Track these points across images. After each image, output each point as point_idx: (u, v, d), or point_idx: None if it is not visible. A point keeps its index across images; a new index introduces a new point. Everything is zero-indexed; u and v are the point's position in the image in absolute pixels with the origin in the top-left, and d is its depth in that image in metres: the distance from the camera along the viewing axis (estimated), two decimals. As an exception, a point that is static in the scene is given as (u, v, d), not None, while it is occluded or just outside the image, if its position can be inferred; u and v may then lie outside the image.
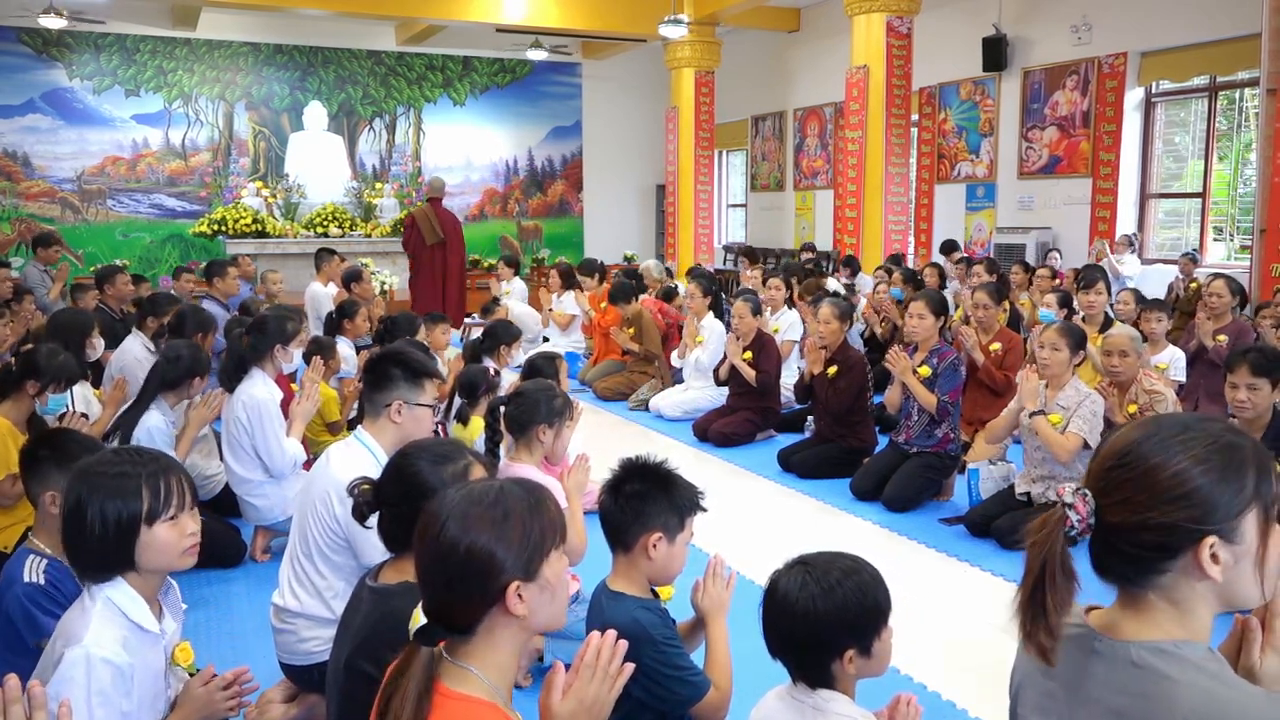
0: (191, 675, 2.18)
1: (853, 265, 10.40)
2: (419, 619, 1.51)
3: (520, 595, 1.50)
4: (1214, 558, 1.26)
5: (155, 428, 4.22)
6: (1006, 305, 6.55)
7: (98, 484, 1.98)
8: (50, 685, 1.86)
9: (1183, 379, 5.73)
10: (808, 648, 1.89)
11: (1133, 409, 4.70)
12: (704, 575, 2.39)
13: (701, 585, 2.38)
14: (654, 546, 2.28)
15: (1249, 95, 9.61)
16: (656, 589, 2.38)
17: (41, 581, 2.50)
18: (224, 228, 13.19)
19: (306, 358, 5.22)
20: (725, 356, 6.70)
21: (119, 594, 1.99)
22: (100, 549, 1.98)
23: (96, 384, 5.65)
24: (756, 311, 6.75)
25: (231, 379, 4.44)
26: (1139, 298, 6.56)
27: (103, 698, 1.88)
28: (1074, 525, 1.27)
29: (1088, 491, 1.29)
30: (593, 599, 2.39)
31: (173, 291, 7.84)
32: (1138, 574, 1.30)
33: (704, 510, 2.38)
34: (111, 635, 1.93)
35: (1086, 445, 4.31)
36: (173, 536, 2.02)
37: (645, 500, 2.29)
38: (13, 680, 1.54)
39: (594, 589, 2.40)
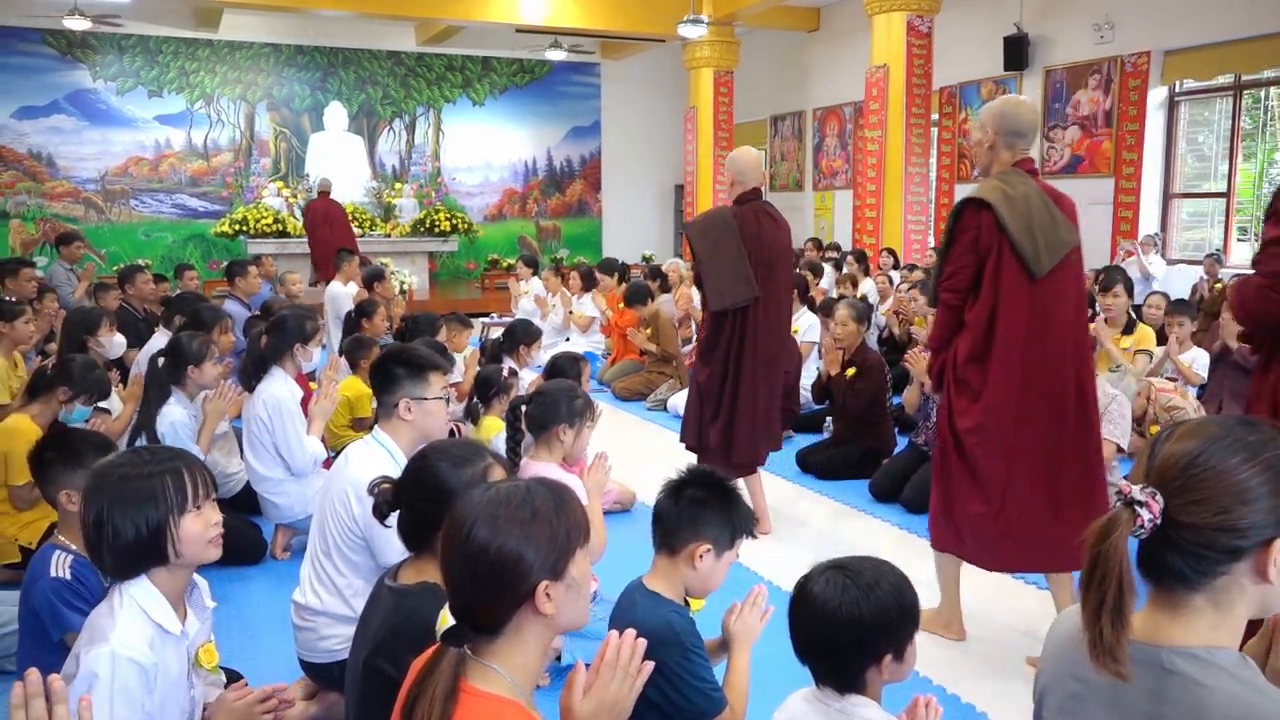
0: (215, 676, 2.19)
1: (862, 262, 10.35)
2: (446, 620, 1.51)
3: (548, 594, 1.51)
4: (1274, 560, 1.27)
5: (179, 422, 4.26)
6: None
7: (119, 490, 1.98)
8: (75, 681, 1.87)
9: (1204, 378, 5.71)
10: (848, 652, 1.87)
11: (1154, 430, 4.68)
12: (744, 600, 2.38)
13: (738, 609, 2.37)
14: (700, 557, 2.27)
15: (1274, 94, 9.51)
16: (688, 599, 2.37)
17: (67, 576, 2.53)
18: (245, 228, 13.27)
19: (349, 358, 5.26)
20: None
21: (142, 593, 2.00)
22: (127, 552, 1.98)
23: (123, 381, 5.71)
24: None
25: (252, 378, 4.47)
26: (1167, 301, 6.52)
27: (125, 696, 1.89)
28: (1144, 524, 1.26)
29: (1155, 490, 1.28)
30: (624, 594, 2.38)
31: (180, 290, 7.93)
32: (1197, 574, 1.28)
33: (754, 537, 2.38)
34: (137, 634, 1.95)
35: (1119, 449, 4.27)
36: (198, 528, 2.04)
37: (705, 508, 2.28)
38: (34, 674, 1.55)
39: (627, 585, 2.39)
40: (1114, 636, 1.24)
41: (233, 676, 2.92)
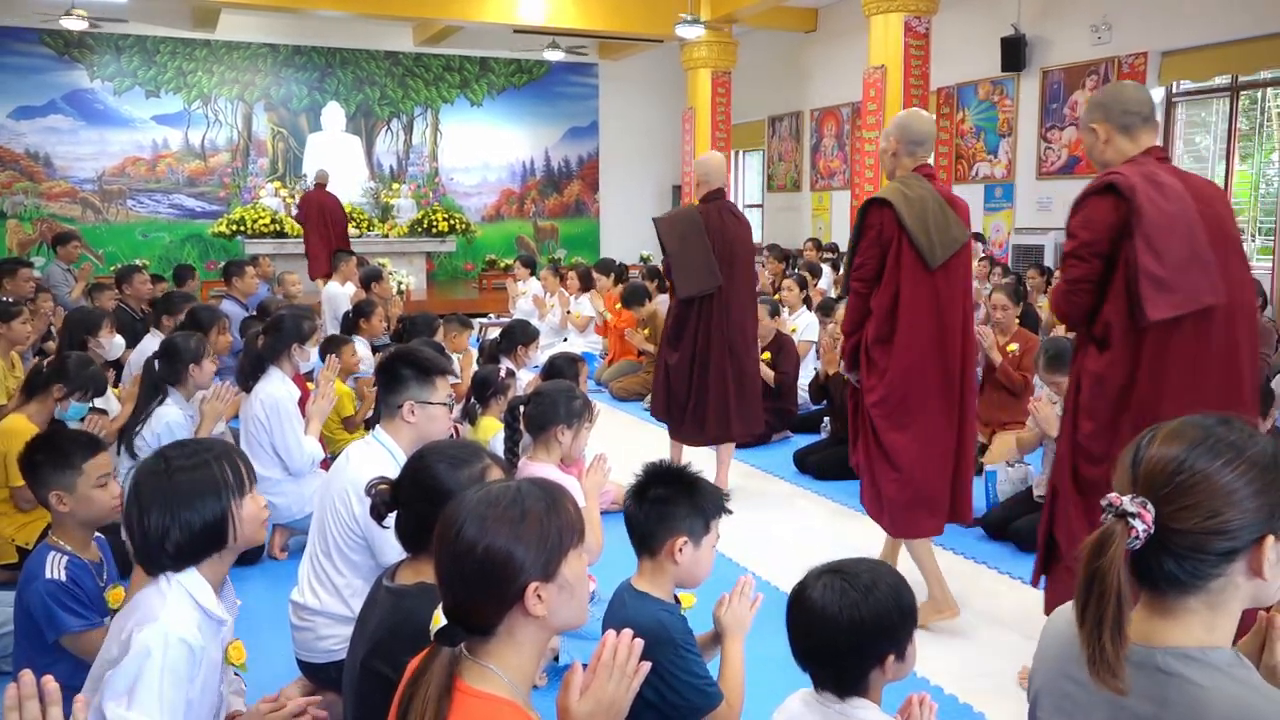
0: (240, 675, 2.18)
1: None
2: (439, 620, 1.51)
3: (539, 596, 1.50)
4: (1268, 557, 1.27)
5: (175, 422, 4.24)
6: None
7: (180, 483, 1.99)
8: (124, 662, 1.87)
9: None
10: (851, 656, 1.86)
11: None
12: (731, 592, 2.38)
13: (727, 601, 2.37)
14: (679, 550, 2.27)
15: (1271, 95, 9.52)
16: (679, 595, 2.37)
17: (62, 578, 2.52)
18: (242, 228, 13.26)
19: (322, 355, 5.25)
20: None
21: (191, 581, 2.01)
22: (193, 544, 1.99)
23: (118, 382, 5.71)
24: (774, 314, 6.74)
25: (249, 378, 4.46)
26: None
27: (174, 676, 1.89)
28: (1138, 535, 1.25)
29: (1145, 499, 1.27)
30: (614, 596, 2.38)
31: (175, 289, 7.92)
32: (1193, 578, 1.28)
33: (729, 513, 2.38)
34: (188, 617, 1.95)
35: None
36: (254, 509, 2.09)
37: (669, 504, 2.28)
38: (27, 676, 1.54)
39: (617, 587, 2.39)
40: (1114, 652, 1.23)
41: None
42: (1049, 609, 2.98)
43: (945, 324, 3.63)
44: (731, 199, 17.50)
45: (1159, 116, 10.18)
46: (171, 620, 1.92)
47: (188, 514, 1.97)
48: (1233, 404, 2.77)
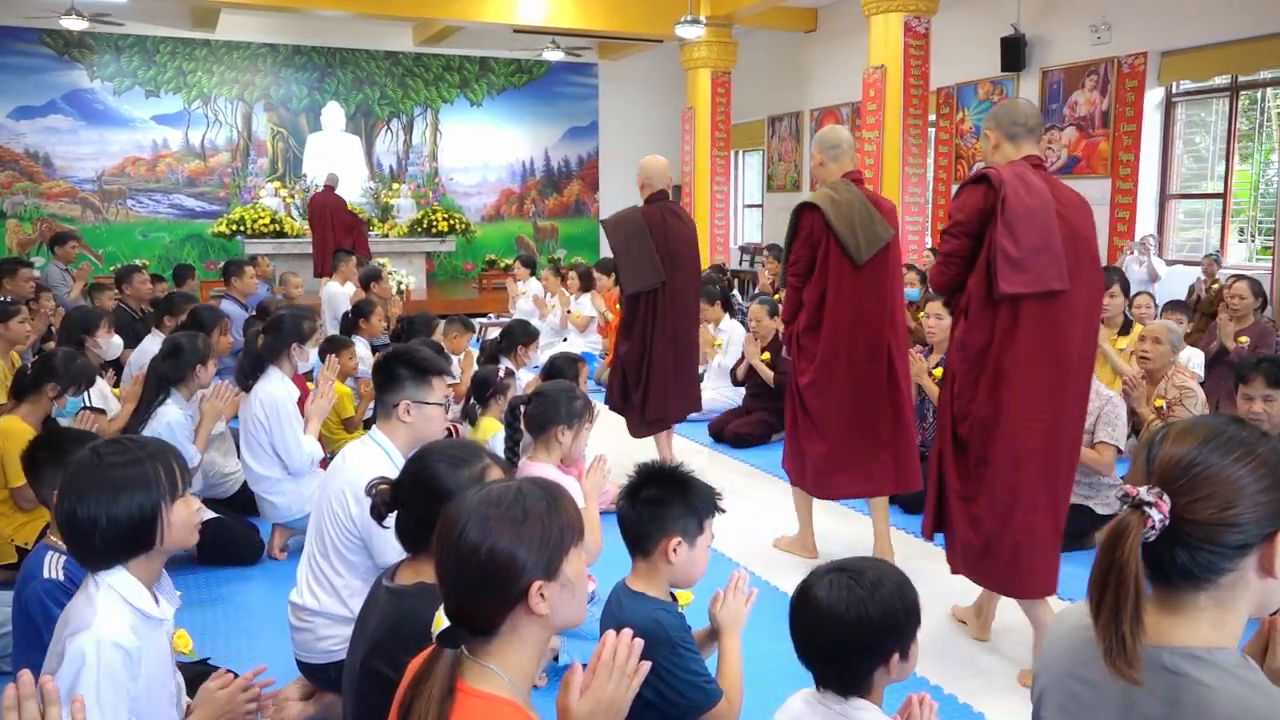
0: (192, 661, 2.17)
1: None
2: (441, 621, 1.51)
3: (543, 594, 1.50)
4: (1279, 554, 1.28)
5: (175, 422, 4.24)
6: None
7: (111, 478, 1.97)
8: (60, 671, 1.87)
9: (1201, 378, 5.71)
10: (857, 654, 1.85)
11: (1160, 403, 4.68)
12: (725, 588, 2.38)
13: (721, 597, 2.37)
14: (674, 551, 2.27)
15: (1270, 95, 9.52)
16: (675, 593, 2.37)
17: (60, 578, 2.51)
18: (242, 228, 13.25)
19: (322, 355, 5.26)
20: (743, 357, 6.72)
21: (120, 581, 2.01)
22: (118, 540, 1.98)
23: (118, 382, 5.70)
24: (774, 313, 6.74)
25: (249, 377, 4.46)
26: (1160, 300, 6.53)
27: (111, 680, 1.89)
28: (1154, 525, 1.26)
29: (1161, 490, 1.28)
30: (610, 597, 2.38)
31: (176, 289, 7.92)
32: (1205, 571, 1.29)
33: (723, 512, 2.37)
34: (119, 620, 1.95)
35: (1118, 451, 4.29)
36: (186, 514, 2.07)
37: (663, 505, 2.28)
38: (26, 676, 1.54)
39: (612, 587, 2.39)
40: (1133, 643, 1.24)
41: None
42: (953, 566, 3.42)
43: (871, 313, 4.04)
44: (730, 199, 17.37)
45: (1158, 116, 10.24)
46: (103, 626, 1.91)
47: (115, 508, 1.96)
48: (1067, 379, 3.16)
